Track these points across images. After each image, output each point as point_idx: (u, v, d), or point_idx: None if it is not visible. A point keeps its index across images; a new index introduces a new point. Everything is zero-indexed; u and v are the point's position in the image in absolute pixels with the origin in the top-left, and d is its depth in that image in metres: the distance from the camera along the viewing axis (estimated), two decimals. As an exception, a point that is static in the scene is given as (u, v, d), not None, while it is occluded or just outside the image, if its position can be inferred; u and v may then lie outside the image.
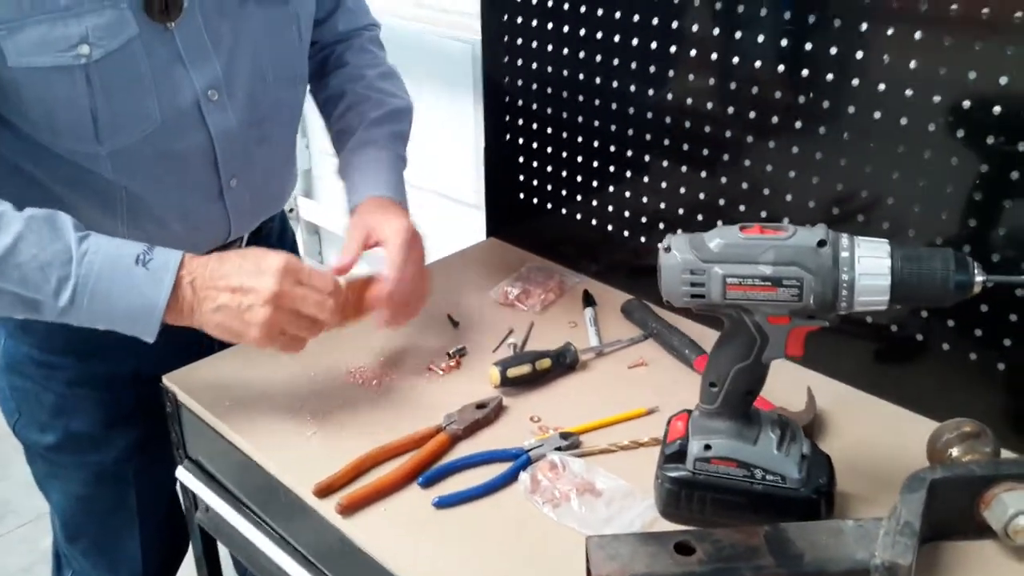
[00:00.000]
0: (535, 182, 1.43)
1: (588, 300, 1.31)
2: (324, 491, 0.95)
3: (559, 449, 1.01)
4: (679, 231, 0.85)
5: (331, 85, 1.30)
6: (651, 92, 1.21)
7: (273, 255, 0.97)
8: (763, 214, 1.13)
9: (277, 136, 1.20)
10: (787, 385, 1.02)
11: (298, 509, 0.98)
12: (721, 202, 1.18)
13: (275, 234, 1.34)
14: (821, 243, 0.78)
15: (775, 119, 1.10)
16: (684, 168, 1.21)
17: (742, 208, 1.16)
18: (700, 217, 1.21)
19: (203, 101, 1.05)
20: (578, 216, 1.38)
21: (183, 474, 1.17)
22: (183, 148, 1.07)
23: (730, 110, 1.13)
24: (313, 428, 1.05)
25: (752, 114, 1.11)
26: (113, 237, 0.97)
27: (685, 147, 1.20)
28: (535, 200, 1.44)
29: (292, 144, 1.28)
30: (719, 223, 0.84)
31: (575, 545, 0.87)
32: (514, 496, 0.95)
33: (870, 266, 0.78)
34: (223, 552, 1.31)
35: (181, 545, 1.41)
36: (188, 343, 1.10)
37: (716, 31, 1.12)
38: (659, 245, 0.84)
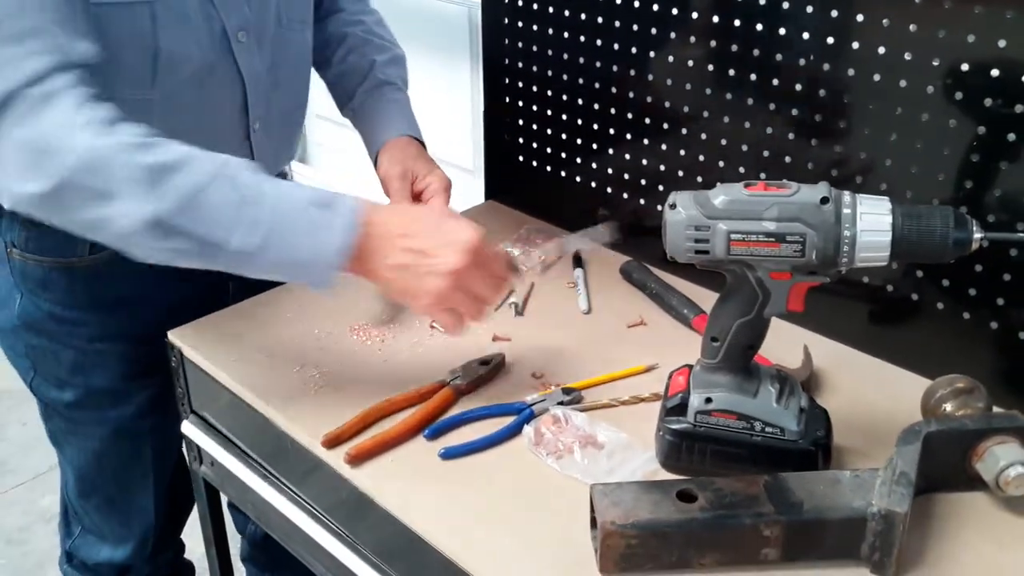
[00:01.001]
0: (534, 144, 1.44)
1: (578, 262, 1.33)
2: (332, 442, 0.97)
3: (561, 404, 1.03)
4: (672, 192, 0.87)
5: (328, 28, 1.32)
6: (652, 54, 1.22)
7: (468, 228, 0.93)
8: (762, 176, 1.14)
9: (289, 80, 1.21)
10: (784, 343, 1.05)
11: (305, 461, 1.00)
12: (721, 164, 1.19)
13: None
14: (824, 200, 0.80)
15: (775, 82, 1.11)
16: (684, 131, 1.22)
17: (742, 170, 1.17)
18: (700, 179, 1.23)
19: (234, 42, 1.07)
20: (577, 179, 1.39)
21: (188, 428, 1.19)
22: (219, 91, 1.09)
23: (731, 72, 1.15)
24: (319, 383, 1.07)
25: (752, 76, 1.13)
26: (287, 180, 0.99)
27: (685, 109, 1.21)
28: (534, 163, 1.45)
29: (301, 91, 1.28)
30: (718, 185, 0.86)
31: (578, 494, 0.89)
32: (518, 448, 0.97)
33: (871, 222, 0.79)
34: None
35: (188, 499, 1.43)
36: (208, 297, 1.12)
37: (719, -7, 1.13)
38: (666, 203, 0.85)
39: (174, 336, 1.15)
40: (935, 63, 0.98)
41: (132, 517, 1.34)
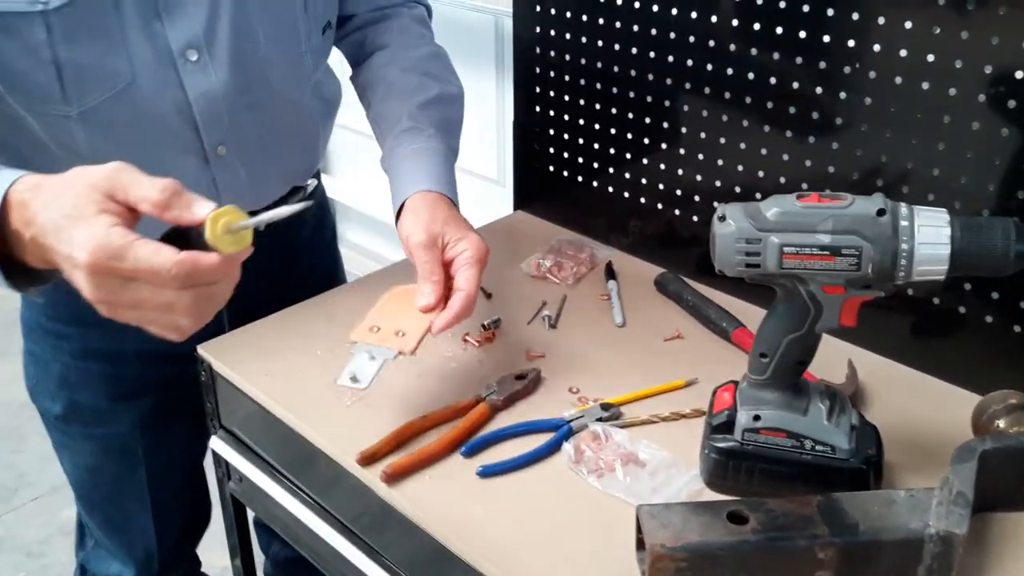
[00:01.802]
0: (565, 154, 1.42)
1: (611, 274, 1.30)
2: (368, 460, 0.94)
3: (600, 420, 1.00)
4: (722, 202, 0.84)
5: (372, 67, 1.21)
6: (689, 63, 1.20)
7: (82, 243, 0.70)
8: (804, 186, 1.12)
9: (275, 103, 1.10)
10: (826, 358, 1.02)
11: (339, 478, 0.98)
12: (760, 174, 1.17)
13: (309, 223, 1.30)
14: (880, 212, 0.78)
15: (819, 90, 1.09)
16: (722, 140, 1.20)
17: (782, 180, 1.15)
18: (737, 190, 1.20)
19: (180, 61, 0.99)
20: (610, 189, 1.37)
21: (217, 444, 1.17)
22: (158, 110, 1.00)
23: (772, 80, 1.12)
24: (352, 398, 1.04)
25: (795, 85, 1.11)
26: None
27: (724, 118, 1.19)
28: (565, 173, 1.43)
29: (304, 116, 1.17)
30: (757, 196, 0.84)
31: (621, 514, 0.87)
32: (558, 466, 0.95)
33: (930, 235, 0.77)
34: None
35: (198, 523, 1.41)
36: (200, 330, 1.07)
37: None
38: (714, 215, 0.83)
39: (204, 350, 1.13)
40: (987, 71, 0.95)
41: (133, 537, 1.32)
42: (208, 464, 1.36)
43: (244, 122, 1.07)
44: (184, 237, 0.72)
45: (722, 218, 0.82)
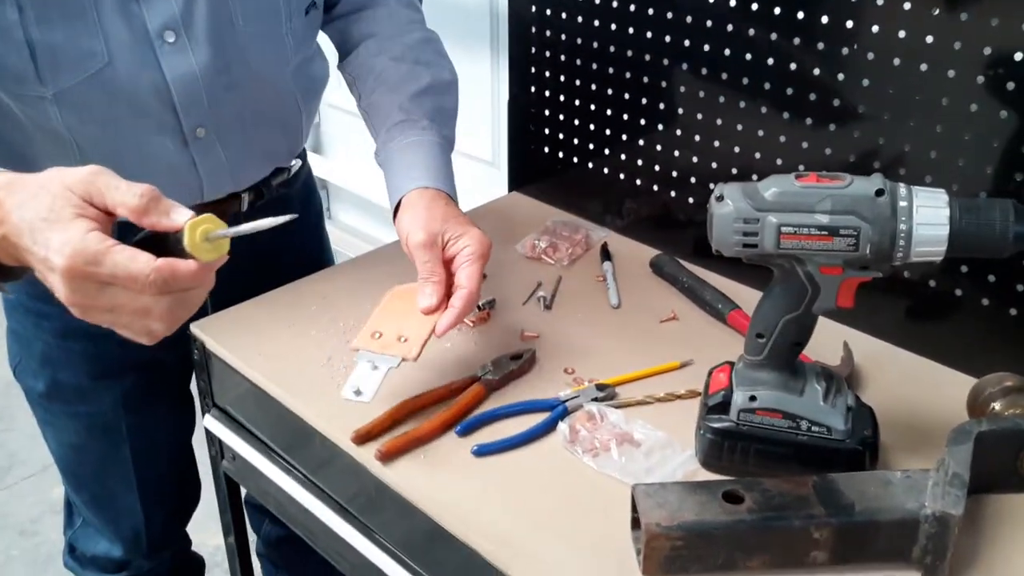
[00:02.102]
0: (561, 135, 1.41)
1: (606, 255, 1.30)
2: (363, 438, 0.94)
3: (596, 400, 1.00)
4: (719, 183, 0.84)
5: (360, 58, 1.18)
6: (687, 43, 1.19)
7: (60, 246, 0.69)
8: (801, 167, 1.12)
9: (254, 84, 1.09)
10: (822, 341, 1.01)
11: (334, 456, 0.97)
12: (757, 155, 1.17)
13: (295, 202, 1.28)
14: (879, 192, 0.77)
15: (816, 71, 1.08)
16: (719, 120, 1.19)
17: (779, 162, 1.15)
18: (734, 171, 1.20)
19: (157, 42, 0.98)
20: (605, 170, 1.37)
21: (210, 422, 1.16)
22: (136, 92, 0.99)
23: (770, 61, 1.12)
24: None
25: (793, 66, 1.10)
26: None
27: (721, 99, 1.18)
28: (560, 154, 1.42)
29: (285, 97, 1.15)
30: (754, 177, 0.83)
31: (616, 494, 0.87)
32: (553, 446, 0.95)
33: (928, 216, 0.77)
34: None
35: (187, 502, 1.41)
36: None
37: (757, -20, 1.10)
38: (712, 195, 0.83)
39: (196, 328, 1.13)
40: (987, 52, 0.95)
41: (120, 515, 1.32)
42: (198, 443, 1.36)
43: (223, 103, 1.06)
44: (160, 242, 0.73)
45: (720, 198, 0.82)
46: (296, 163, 1.26)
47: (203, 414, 1.19)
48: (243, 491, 1.28)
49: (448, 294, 0.98)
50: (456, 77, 1.20)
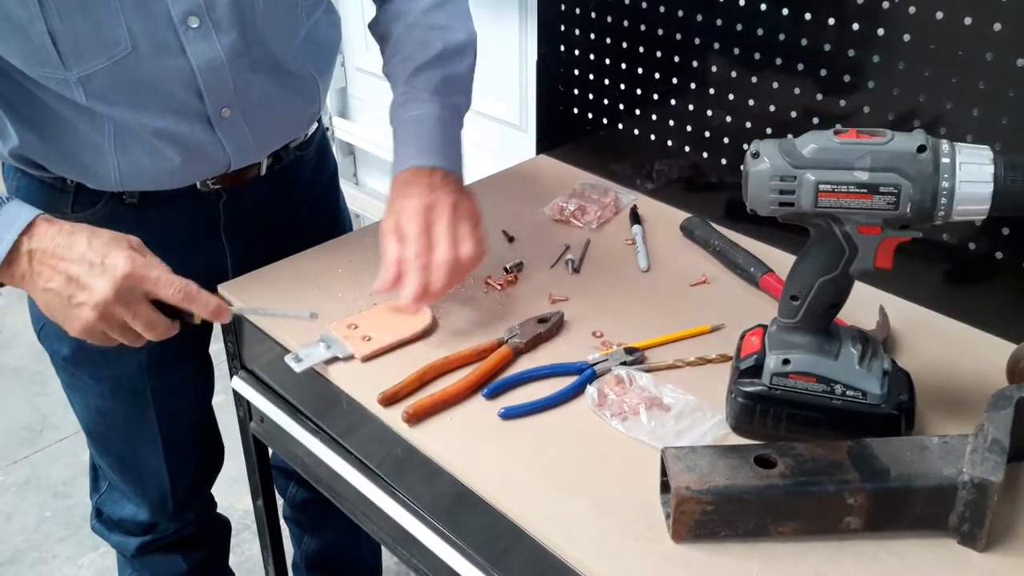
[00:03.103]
0: (590, 96, 1.38)
1: (635, 218, 1.28)
2: (389, 400, 0.94)
3: (624, 364, 0.99)
4: (754, 140, 0.82)
5: (381, 21, 1.18)
6: (721, -1, 1.16)
7: (120, 254, 0.90)
8: (838, 127, 1.08)
9: (276, 62, 1.09)
10: (857, 305, 0.99)
11: (361, 418, 0.97)
12: (792, 114, 1.14)
13: (310, 164, 1.28)
14: (921, 148, 0.75)
15: (856, 26, 1.05)
16: (754, 79, 1.16)
17: (815, 120, 1.12)
18: (768, 131, 1.17)
19: (181, 28, 0.97)
20: (635, 131, 1.34)
21: (239, 384, 1.16)
22: (160, 77, 1.00)
23: (807, 16, 1.08)
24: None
25: (831, 20, 1.07)
26: None
27: (756, 56, 1.15)
28: (590, 115, 1.40)
29: (304, 71, 1.15)
30: (790, 137, 0.81)
31: (645, 458, 0.86)
32: (580, 409, 0.94)
33: (972, 173, 0.74)
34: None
35: (211, 464, 1.41)
36: (201, 267, 1.06)
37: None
38: (748, 152, 0.80)
39: (223, 289, 1.12)
40: None
41: (146, 478, 1.33)
42: (219, 405, 1.36)
43: (247, 83, 1.06)
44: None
45: (756, 155, 0.79)
46: (313, 126, 1.26)
47: (231, 376, 1.19)
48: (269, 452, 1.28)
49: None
50: (472, 36, 1.18)
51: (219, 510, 1.52)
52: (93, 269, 0.89)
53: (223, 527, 1.54)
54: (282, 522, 1.49)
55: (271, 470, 1.32)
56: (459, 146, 1.11)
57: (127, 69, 0.97)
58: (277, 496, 1.38)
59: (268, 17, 1.04)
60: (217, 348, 1.24)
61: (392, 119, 1.12)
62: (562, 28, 1.37)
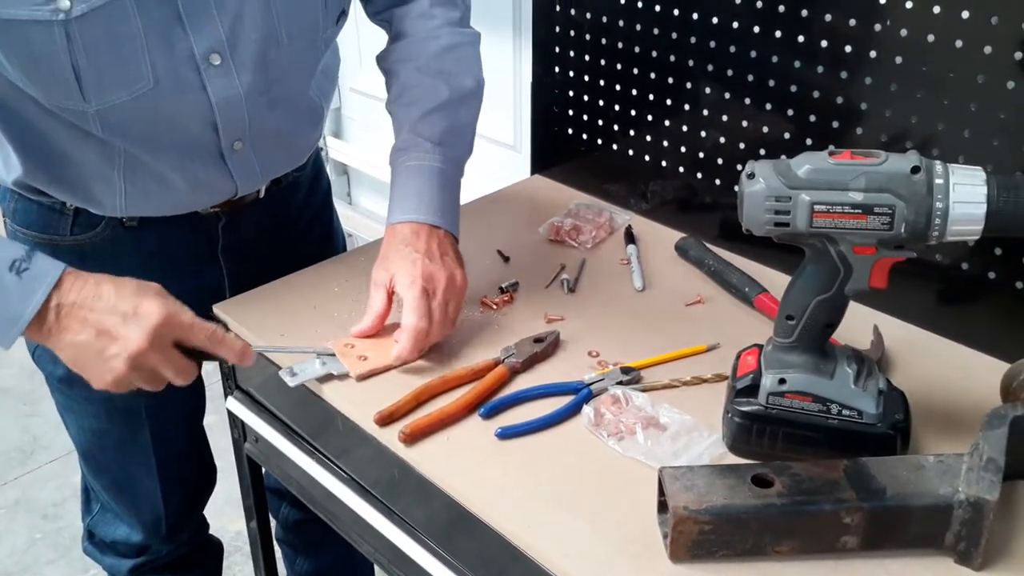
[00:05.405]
0: (585, 117, 1.39)
1: (630, 238, 1.28)
2: (385, 420, 0.93)
3: (620, 383, 0.99)
4: (750, 161, 0.82)
5: (389, 59, 1.17)
6: (715, 20, 1.17)
7: (153, 302, 0.90)
8: (831, 148, 1.09)
9: (293, 98, 1.11)
10: (851, 325, 1.00)
11: (356, 438, 0.97)
12: (786, 136, 1.15)
13: (305, 184, 1.29)
14: (915, 169, 0.75)
15: (848, 48, 1.06)
16: (747, 100, 1.17)
17: (808, 142, 1.12)
18: (762, 152, 1.18)
19: (203, 65, 0.98)
20: (630, 152, 1.35)
21: (233, 404, 1.16)
22: (178, 112, 1.01)
23: (800, 39, 1.10)
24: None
25: (824, 43, 1.08)
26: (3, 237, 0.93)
27: (750, 77, 1.16)
28: (584, 136, 1.41)
29: (315, 102, 1.17)
30: (784, 157, 0.81)
31: (642, 478, 0.86)
32: (577, 429, 0.94)
33: (965, 194, 0.75)
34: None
35: (203, 484, 1.41)
36: (198, 291, 1.07)
37: (787, -43, 1.08)
38: (743, 173, 0.81)
39: (219, 310, 1.12)
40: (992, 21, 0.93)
41: (139, 499, 1.32)
42: (210, 426, 1.35)
43: (263, 118, 1.07)
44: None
45: (751, 175, 0.80)
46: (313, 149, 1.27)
47: (225, 396, 1.18)
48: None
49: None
50: (480, 83, 1.18)
51: (211, 532, 1.51)
52: (127, 320, 0.89)
53: (215, 549, 1.53)
54: (275, 543, 1.48)
55: (264, 492, 1.31)
56: (457, 204, 1.12)
57: (147, 104, 0.98)
58: (270, 517, 1.38)
59: (291, 54, 1.05)
60: (208, 368, 1.24)
61: (392, 161, 1.13)
62: (556, 49, 1.38)
